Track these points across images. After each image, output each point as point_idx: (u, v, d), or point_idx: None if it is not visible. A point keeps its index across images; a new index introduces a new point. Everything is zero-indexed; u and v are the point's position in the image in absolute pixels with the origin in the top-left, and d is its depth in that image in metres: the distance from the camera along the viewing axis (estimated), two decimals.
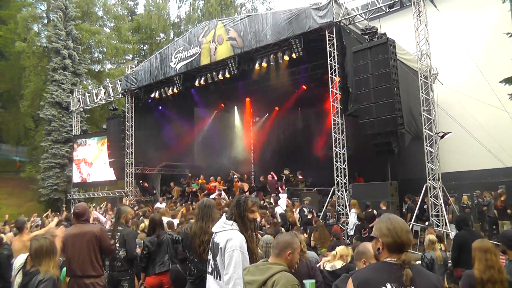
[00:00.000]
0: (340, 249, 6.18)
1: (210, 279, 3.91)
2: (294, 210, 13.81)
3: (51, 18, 35.24)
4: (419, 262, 7.89)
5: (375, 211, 12.44)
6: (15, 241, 7.59)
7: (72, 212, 6.54)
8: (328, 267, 5.88)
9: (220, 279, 3.74)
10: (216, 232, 3.92)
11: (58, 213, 21.41)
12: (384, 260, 2.60)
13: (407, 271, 2.46)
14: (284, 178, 18.66)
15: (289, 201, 14.65)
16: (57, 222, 7.75)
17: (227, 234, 3.81)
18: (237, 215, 3.91)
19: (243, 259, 3.65)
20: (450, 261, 7.76)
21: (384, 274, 2.52)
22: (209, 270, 3.93)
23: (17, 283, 5.32)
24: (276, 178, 19.07)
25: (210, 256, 3.97)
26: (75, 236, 5.72)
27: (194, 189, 20.24)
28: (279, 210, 13.49)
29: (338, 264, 5.85)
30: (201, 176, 21.22)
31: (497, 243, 5.58)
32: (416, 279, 2.47)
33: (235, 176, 20.68)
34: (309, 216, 12.56)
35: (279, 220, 12.19)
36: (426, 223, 12.39)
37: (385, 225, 2.66)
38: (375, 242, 2.69)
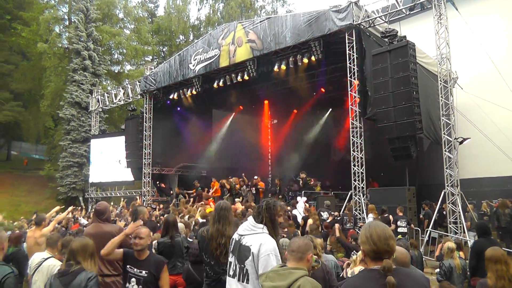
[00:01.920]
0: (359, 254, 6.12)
1: (232, 282, 3.79)
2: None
3: (73, 20, 35.77)
4: (438, 270, 7.76)
5: (391, 216, 12.29)
6: (28, 238, 7.65)
7: (93, 210, 6.41)
8: (349, 273, 5.79)
9: (247, 282, 3.63)
10: (243, 235, 3.81)
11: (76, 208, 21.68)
12: (372, 268, 2.64)
13: (389, 278, 2.49)
14: (301, 181, 18.56)
15: (307, 205, 14.55)
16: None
17: (259, 238, 3.71)
18: (267, 218, 3.83)
19: (277, 263, 3.55)
20: (469, 270, 7.62)
21: (371, 282, 2.56)
22: (231, 272, 3.80)
23: (35, 282, 5.34)
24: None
25: (231, 259, 3.84)
26: (94, 236, 5.53)
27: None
28: (296, 213, 13.43)
29: (357, 270, 5.77)
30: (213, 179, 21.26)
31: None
32: (402, 282, 2.49)
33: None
34: (330, 219, 12.41)
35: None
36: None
37: (363, 233, 2.72)
38: (362, 250, 2.74)
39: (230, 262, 3.84)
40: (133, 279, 4.69)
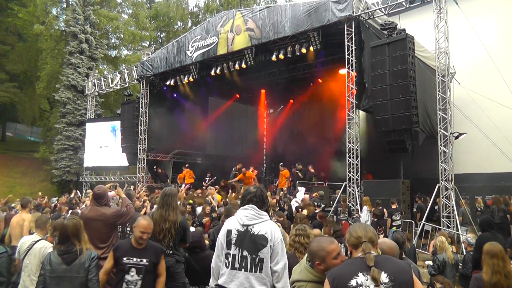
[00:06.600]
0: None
1: (239, 274, 3.60)
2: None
3: (70, 3, 35.44)
4: (430, 263, 7.81)
5: (385, 210, 12.31)
6: (14, 218, 7.68)
7: (92, 193, 6.36)
8: None
9: (261, 272, 3.54)
10: (251, 224, 3.66)
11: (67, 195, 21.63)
12: (355, 256, 2.96)
13: (368, 255, 2.83)
14: (299, 172, 18.48)
15: (307, 196, 14.55)
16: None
17: (268, 225, 3.67)
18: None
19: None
20: (461, 264, 7.68)
21: (355, 266, 2.84)
22: (236, 265, 3.61)
23: (26, 265, 5.33)
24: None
25: (234, 251, 3.65)
26: (92, 220, 5.58)
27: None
28: (295, 204, 13.39)
29: None
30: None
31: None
32: (383, 264, 2.80)
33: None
34: (317, 210, 12.41)
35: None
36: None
37: (347, 231, 3.13)
38: (348, 247, 3.10)
39: (233, 255, 3.66)
40: (133, 269, 4.65)
